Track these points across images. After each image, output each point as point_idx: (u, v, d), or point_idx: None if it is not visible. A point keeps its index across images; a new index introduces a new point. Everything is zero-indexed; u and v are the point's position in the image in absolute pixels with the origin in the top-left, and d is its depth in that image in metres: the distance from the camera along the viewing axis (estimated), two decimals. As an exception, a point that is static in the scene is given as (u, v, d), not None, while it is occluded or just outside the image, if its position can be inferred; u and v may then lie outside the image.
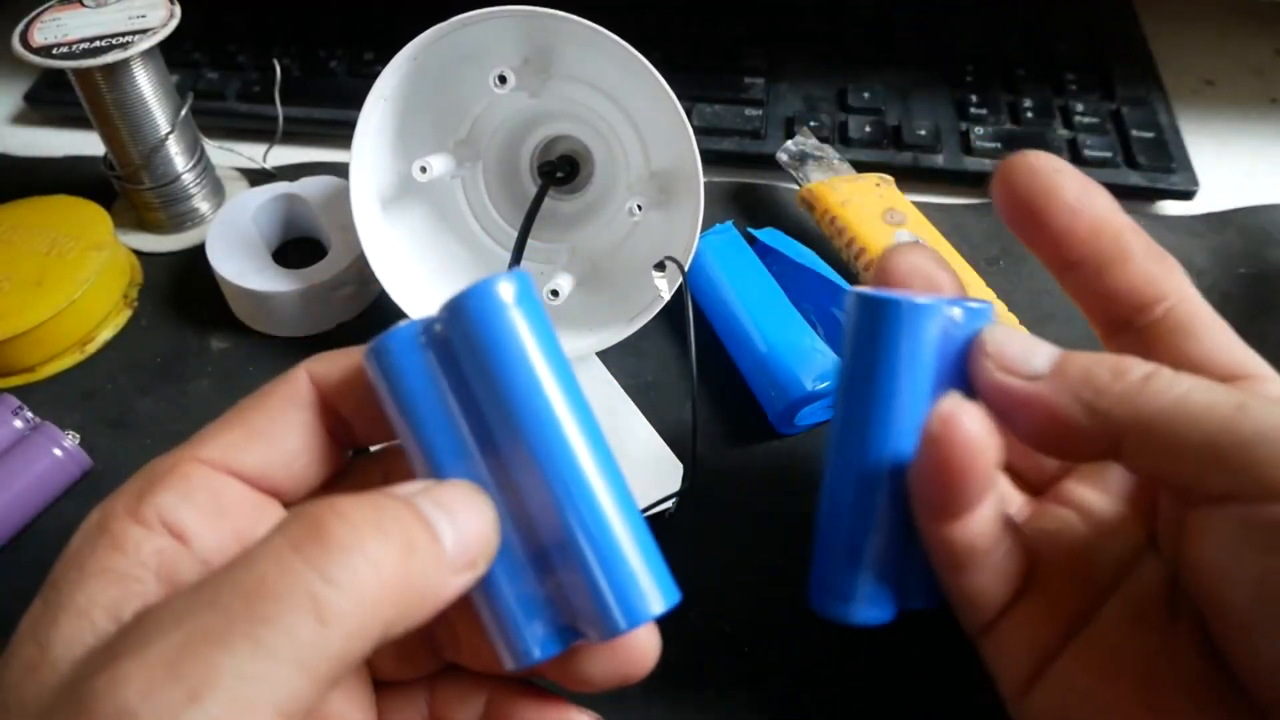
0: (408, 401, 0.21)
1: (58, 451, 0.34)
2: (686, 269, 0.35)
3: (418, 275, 0.39)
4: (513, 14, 0.34)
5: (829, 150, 0.44)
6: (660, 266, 0.35)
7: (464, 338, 0.20)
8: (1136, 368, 0.21)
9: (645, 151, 0.38)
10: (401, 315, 0.37)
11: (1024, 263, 0.42)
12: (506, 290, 0.20)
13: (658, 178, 0.37)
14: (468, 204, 0.41)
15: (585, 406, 0.21)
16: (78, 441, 0.35)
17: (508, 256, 0.39)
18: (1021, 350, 0.22)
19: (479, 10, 0.34)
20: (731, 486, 0.34)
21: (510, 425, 0.20)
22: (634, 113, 0.37)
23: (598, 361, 0.38)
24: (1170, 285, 0.23)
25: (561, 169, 0.39)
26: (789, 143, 0.44)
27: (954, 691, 0.29)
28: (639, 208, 0.36)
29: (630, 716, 0.28)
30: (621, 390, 0.37)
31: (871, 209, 0.40)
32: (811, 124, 0.47)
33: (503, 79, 0.34)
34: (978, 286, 0.37)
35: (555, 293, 0.37)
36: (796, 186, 0.46)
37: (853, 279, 0.41)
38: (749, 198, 0.46)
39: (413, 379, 0.21)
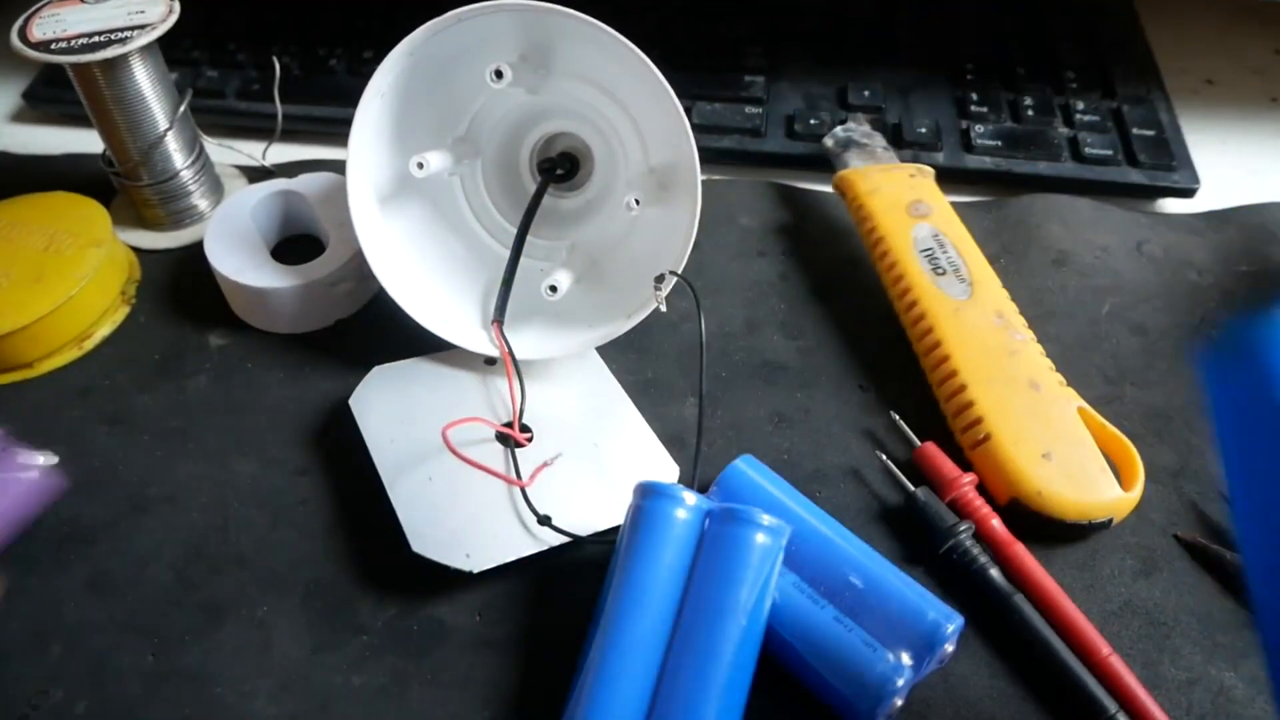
0: (656, 559, 0.27)
1: (29, 475, 0.32)
2: (682, 267, 0.35)
3: (416, 272, 0.39)
4: (509, 9, 0.34)
5: (877, 138, 0.44)
6: (660, 279, 0.35)
7: (722, 546, 0.27)
8: None
9: (644, 148, 0.38)
10: (400, 313, 0.37)
11: (1025, 260, 0.42)
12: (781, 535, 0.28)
13: (656, 174, 0.37)
14: (466, 201, 0.41)
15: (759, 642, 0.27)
16: (54, 463, 0.33)
17: (507, 254, 0.39)
18: None
19: (475, 5, 0.34)
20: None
21: (702, 633, 0.26)
22: (633, 109, 0.37)
23: (597, 358, 0.38)
24: None
25: (561, 166, 0.39)
26: (838, 129, 0.45)
27: None
28: (636, 202, 0.36)
29: None
30: (620, 388, 0.37)
31: (899, 198, 0.40)
32: (812, 122, 0.47)
33: (499, 74, 0.34)
34: (992, 284, 0.37)
35: (554, 288, 0.37)
36: (796, 184, 0.46)
37: (873, 276, 0.41)
38: (749, 195, 0.46)
39: (677, 546, 0.27)
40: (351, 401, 0.36)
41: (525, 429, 0.35)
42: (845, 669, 0.28)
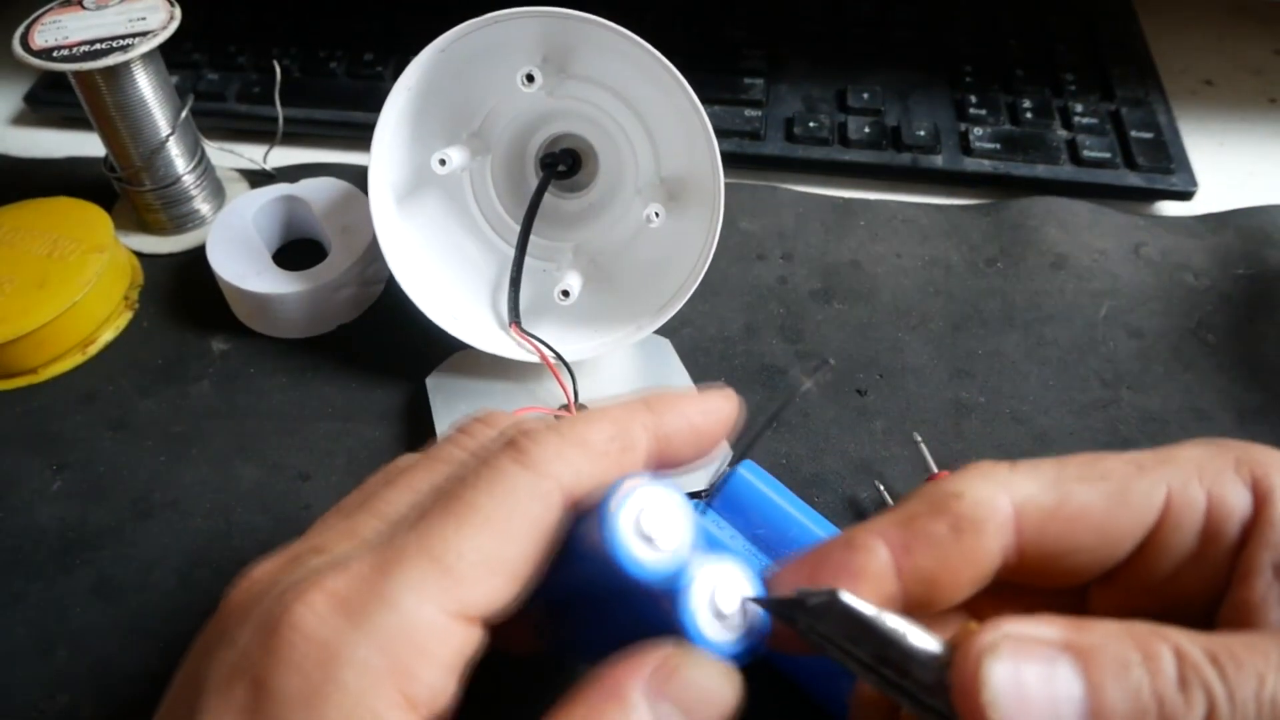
0: None
1: None
2: (703, 275, 0.35)
3: (428, 269, 0.39)
4: (543, 14, 0.34)
5: None
6: (818, 367, 0.33)
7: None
8: (1193, 717, 0.17)
9: (656, 156, 0.38)
10: (402, 317, 0.38)
11: (1023, 263, 0.42)
12: None
13: (668, 183, 0.37)
14: (474, 196, 0.41)
15: None
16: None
17: (511, 250, 0.39)
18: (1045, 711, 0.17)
19: (511, 9, 0.34)
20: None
21: None
22: (648, 117, 0.37)
23: (665, 342, 0.39)
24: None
25: (563, 162, 0.39)
26: None
27: None
28: (656, 214, 0.36)
29: None
30: (684, 371, 0.38)
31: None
32: (811, 125, 0.47)
33: (531, 78, 0.35)
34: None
35: (566, 293, 0.37)
36: (796, 187, 0.46)
37: (872, 279, 0.41)
38: (748, 198, 0.46)
39: None
40: (429, 380, 0.37)
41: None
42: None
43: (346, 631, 0.18)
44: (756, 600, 0.20)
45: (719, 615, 0.20)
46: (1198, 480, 0.20)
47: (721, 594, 0.20)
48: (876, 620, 0.18)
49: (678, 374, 0.38)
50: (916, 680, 0.18)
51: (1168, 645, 0.17)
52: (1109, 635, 0.17)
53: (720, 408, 0.23)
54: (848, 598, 0.19)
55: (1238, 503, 0.20)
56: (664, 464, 0.23)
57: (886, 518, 0.21)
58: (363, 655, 0.18)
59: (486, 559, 0.19)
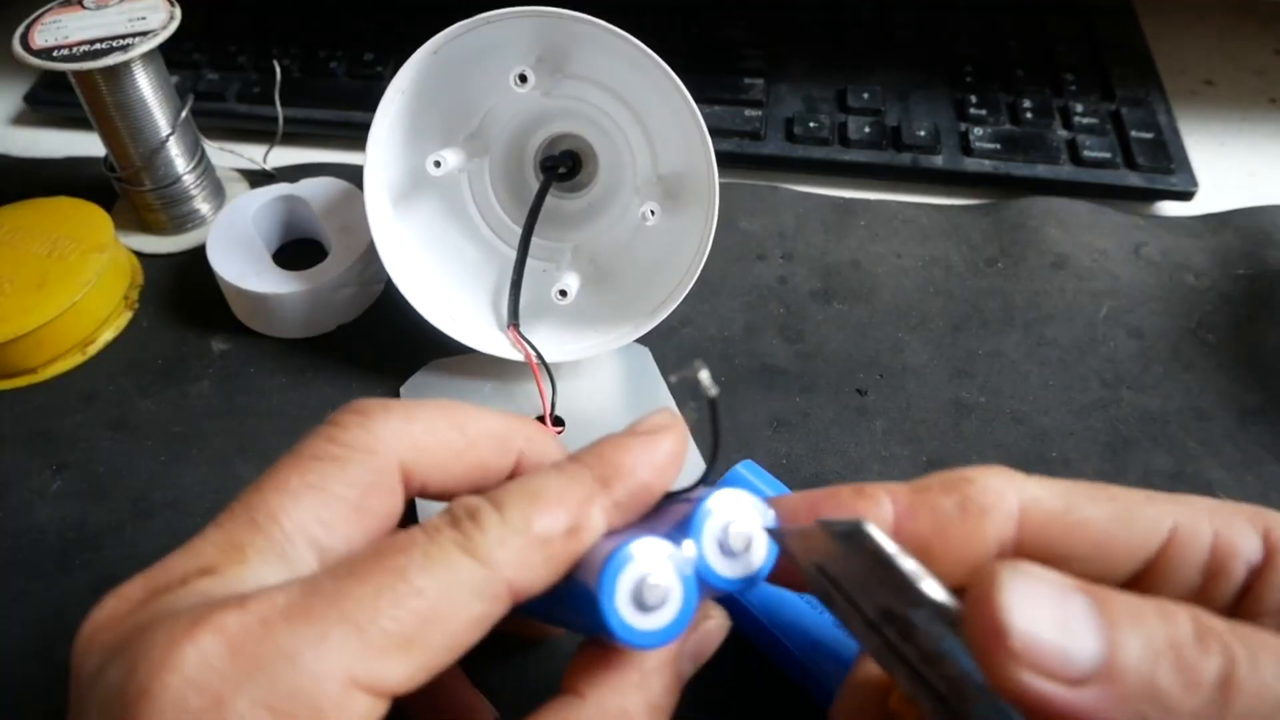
0: None
1: None
2: (698, 275, 0.35)
3: (426, 271, 0.39)
4: (536, 14, 0.34)
5: None
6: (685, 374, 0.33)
7: None
8: (1210, 667, 0.16)
9: (653, 156, 0.38)
10: (402, 317, 0.38)
11: (1023, 263, 0.42)
12: None
13: (665, 182, 0.37)
14: (472, 198, 0.41)
15: None
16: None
17: (511, 252, 0.39)
18: (1059, 646, 0.16)
19: (503, 9, 0.34)
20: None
21: None
22: (644, 116, 0.37)
23: (645, 352, 0.39)
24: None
25: (564, 164, 0.39)
26: None
27: None
28: (652, 213, 0.36)
29: None
30: (662, 382, 0.38)
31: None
32: (811, 125, 0.47)
33: (524, 78, 0.34)
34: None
35: (563, 293, 0.37)
36: (796, 187, 0.46)
37: (872, 279, 0.41)
38: (748, 198, 0.46)
39: None
40: (403, 390, 0.37)
41: (559, 421, 0.36)
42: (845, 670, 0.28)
43: (237, 681, 0.16)
44: (771, 531, 0.21)
45: (727, 552, 0.20)
46: (1207, 520, 0.20)
47: (734, 528, 0.20)
48: (896, 558, 0.18)
49: (657, 382, 0.38)
50: (918, 646, 0.18)
51: (1185, 611, 0.17)
52: (1123, 593, 0.17)
53: (668, 452, 0.22)
54: (873, 530, 0.19)
55: (1246, 545, 0.20)
56: (619, 525, 0.22)
57: (899, 483, 0.22)
58: (252, 711, 0.16)
59: (407, 637, 0.18)
